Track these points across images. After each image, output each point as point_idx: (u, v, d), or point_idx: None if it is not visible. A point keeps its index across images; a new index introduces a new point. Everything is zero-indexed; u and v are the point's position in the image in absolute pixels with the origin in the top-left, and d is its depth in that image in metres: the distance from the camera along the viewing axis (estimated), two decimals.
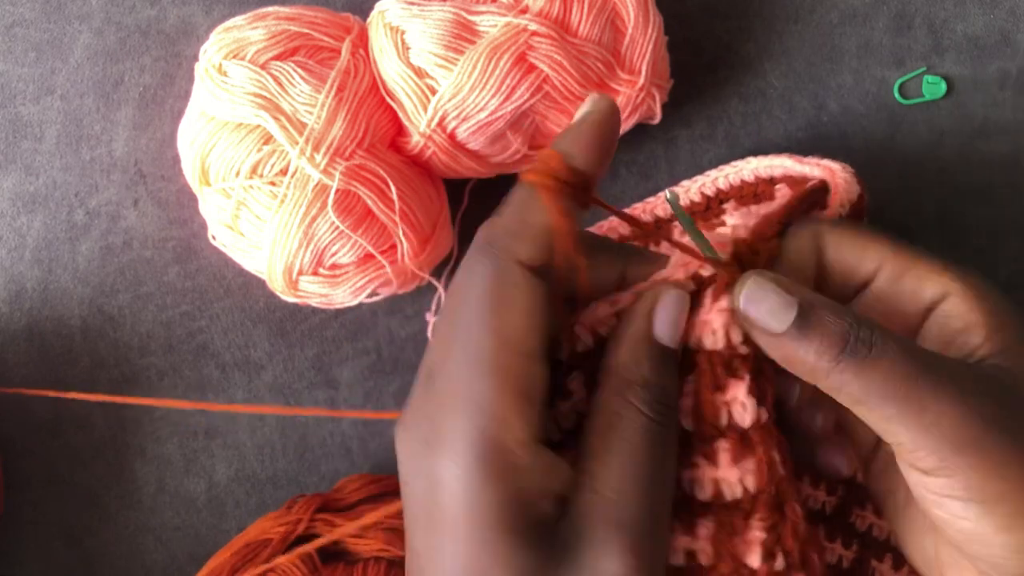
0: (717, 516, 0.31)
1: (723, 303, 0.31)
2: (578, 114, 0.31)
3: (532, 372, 0.28)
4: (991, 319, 0.31)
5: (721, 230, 0.34)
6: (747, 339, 0.30)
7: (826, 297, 0.30)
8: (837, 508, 0.44)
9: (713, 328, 0.30)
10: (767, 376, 0.31)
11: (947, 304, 0.31)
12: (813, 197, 0.37)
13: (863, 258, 0.32)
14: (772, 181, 0.44)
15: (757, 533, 0.30)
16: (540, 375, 0.29)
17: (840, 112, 0.50)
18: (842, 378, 0.28)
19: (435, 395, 0.29)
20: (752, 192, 0.44)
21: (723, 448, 0.30)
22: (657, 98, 0.46)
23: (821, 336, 0.29)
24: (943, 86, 0.50)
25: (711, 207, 0.46)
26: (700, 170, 0.48)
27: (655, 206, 0.47)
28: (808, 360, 0.29)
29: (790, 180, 0.43)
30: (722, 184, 0.45)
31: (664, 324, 0.30)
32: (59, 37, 0.51)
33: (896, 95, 0.50)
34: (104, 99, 0.51)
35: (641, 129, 0.49)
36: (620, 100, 0.45)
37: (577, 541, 0.28)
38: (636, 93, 0.45)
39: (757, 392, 0.30)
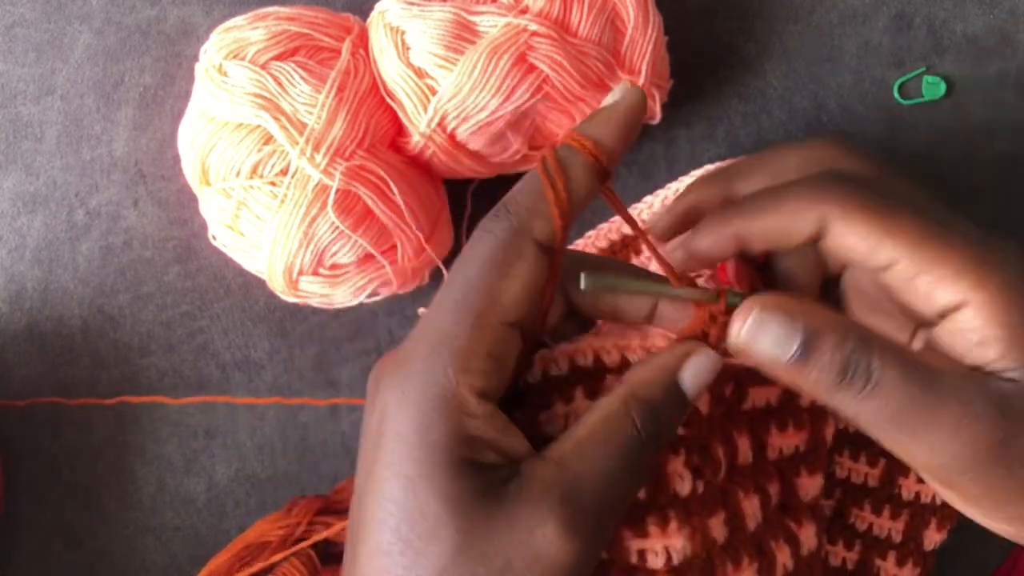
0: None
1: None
2: (608, 99, 0.32)
3: (509, 340, 0.29)
4: (1011, 332, 0.28)
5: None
6: (689, 424, 0.32)
7: (830, 313, 0.29)
8: (835, 511, 0.44)
9: None
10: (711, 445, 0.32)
11: (962, 314, 0.29)
12: None
13: (874, 253, 0.30)
14: None
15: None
16: (515, 347, 0.30)
17: (840, 112, 0.50)
18: (840, 404, 0.29)
19: (415, 332, 0.29)
20: None
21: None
22: (657, 98, 0.46)
23: (820, 369, 0.29)
24: (943, 86, 0.50)
25: None
26: None
27: (621, 224, 0.47)
28: (807, 387, 0.29)
29: None
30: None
31: (694, 375, 0.30)
32: (59, 37, 0.51)
33: (896, 95, 0.50)
34: (104, 99, 0.51)
35: (641, 129, 0.49)
36: None
37: (520, 502, 0.28)
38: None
39: (692, 465, 0.31)
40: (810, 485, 0.36)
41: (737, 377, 0.34)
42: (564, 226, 0.29)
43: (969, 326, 0.29)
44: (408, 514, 0.28)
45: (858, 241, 0.30)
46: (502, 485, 0.28)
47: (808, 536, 0.35)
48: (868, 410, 0.28)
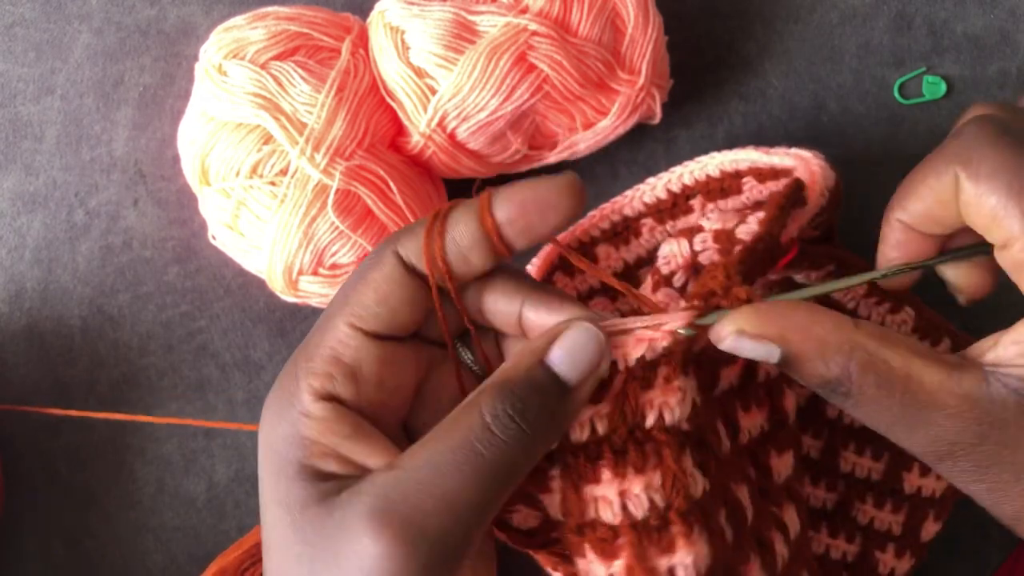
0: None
1: (677, 383, 0.30)
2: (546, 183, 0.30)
3: (357, 344, 0.29)
4: None
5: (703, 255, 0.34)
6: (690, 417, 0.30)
7: (814, 330, 0.28)
8: (838, 504, 0.44)
9: (662, 404, 0.30)
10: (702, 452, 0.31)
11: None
12: (792, 199, 0.36)
13: (992, 228, 0.28)
14: (738, 175, 0.43)
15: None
16: (371, 354, 0.29)
17: (840, 112, 0.50)
18: (831, 403, 0.30)
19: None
20: (719, 187, 0.44)
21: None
22: (657, 98, 0.46)
23: (804, 381, 0.29)
24: (943, 86, 0.50)
25: (678, 203, 0.45)
26: None
27: (623, 205, 0.47)
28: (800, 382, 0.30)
29: (757, 172, 0.43)
30: (688, 180, 0.45)
31: (566, 352, 0.29)
32: (59, 37, 0.51)
33: (896, 95, 0.50)
34: (104, 99, 0.51)
35: (641, 129, 0.49)
36: (620, 100, 0.45)
37: (345, 513, 0.27)
38: (636, 93, 0.45)
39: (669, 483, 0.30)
40: (782, 465, 0.36)
41: (712, 359, 0.33)
42: (432, 248, 0.29)
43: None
44: (265, 520, 0.28)
45: (979, 210, 0.28)
46: (336, 495, 0.27)
47: (791, 519, 0.35)
48: (854, 414, 0.29)
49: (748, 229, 0.38)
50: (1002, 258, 0.28)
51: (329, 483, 0.27)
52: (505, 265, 0.31)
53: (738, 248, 0.34)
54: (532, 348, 0.29)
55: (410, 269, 0.29)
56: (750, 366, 0.35)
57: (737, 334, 0.29)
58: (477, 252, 0.29)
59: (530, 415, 0.27)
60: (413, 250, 0.29)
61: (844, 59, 0.50)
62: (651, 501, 0.29)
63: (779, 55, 0.51)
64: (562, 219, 0.29)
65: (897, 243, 0.31)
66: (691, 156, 0.50)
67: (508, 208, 0.29)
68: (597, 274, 0.32)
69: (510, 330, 0.31)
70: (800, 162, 0.40)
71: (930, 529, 0.43)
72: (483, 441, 0.27)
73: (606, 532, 0.30)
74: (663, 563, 0.29)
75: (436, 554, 0.26)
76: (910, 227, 0.31)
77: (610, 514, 0.29)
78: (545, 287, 0.31)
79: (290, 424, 0.28)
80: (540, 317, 0.30)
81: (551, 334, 0.29)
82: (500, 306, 0.30)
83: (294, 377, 0.29)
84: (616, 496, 0.29)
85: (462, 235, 0.29)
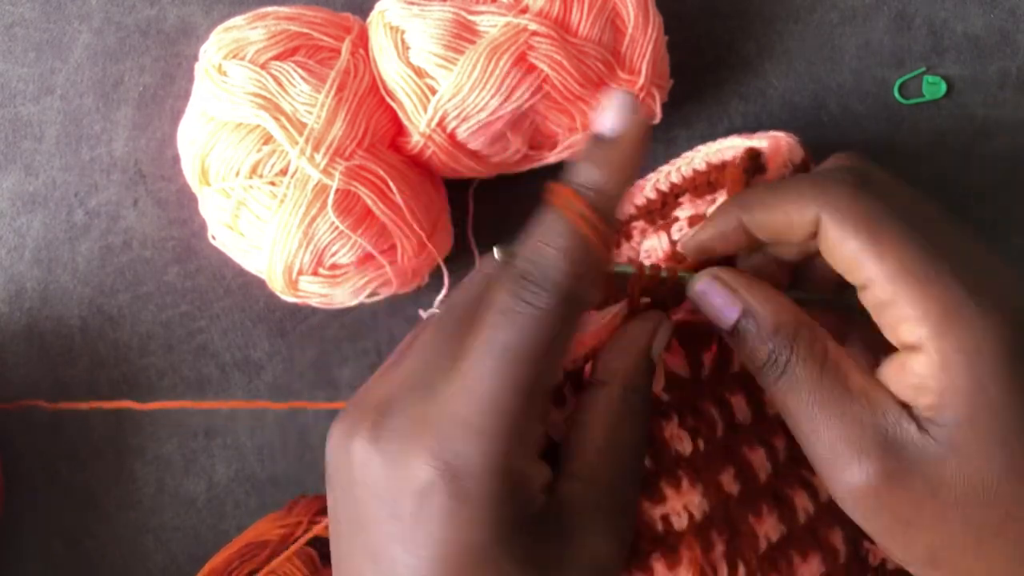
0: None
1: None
2: (607, 120, 0.30)
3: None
4: (949, 397, 0.27)
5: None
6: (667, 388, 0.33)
7: (778, 302, 0.30)
8: (829, 498, 0.44)
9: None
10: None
11: (914, 358, 0.28)
12: (751, 168, 0.37)
13: (853, 271, 0.29)
14: (724, 166, 0.43)
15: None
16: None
17: (840, 112, 0.50)
18: (761, 382, 0.31)
19: (435, 402, 0.28)
20: (706, 181, 0.44)
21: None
22: (657, 98, 0.46)
23: (746, 350, 0.30)
24: (943, 86, 0.50)
25: (667, 203, 0.45)
26: None
27: (642, 187, 0.47)
28: (740, 356, 0.31)
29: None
30: (675, 178, 0.45)
31: (660, 343, 0.32)
32: (59, 37, 0.51)
33: (896, 95, 0.50)
34: (104, 99, 0.51)
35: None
36: None
37: (565, 526, 0.28)
38: (636, 93, 0.45)
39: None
40: None
41: (721, 343, 0.35)
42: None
43: (914, 369, 0.28)
44: None
45: (841, 253, 0.29)
46: (545, 519, 0.28)
47: (822, 486, 0.36)
48: (778, 396, 0.30)
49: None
50: (864, 298, 0.30)
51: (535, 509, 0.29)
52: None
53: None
54: (639, 346, 0.32)
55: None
56: None
57: (712, 277, 0.31)
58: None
59: (648, 401, 0.31)
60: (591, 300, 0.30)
61: (844, 59, 0.50)
62: None
63: (779, 55, 0.51)
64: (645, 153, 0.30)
65: (724, 236, 0.33)
66: None
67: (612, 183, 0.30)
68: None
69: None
70: (771, 140, 0.41)
71: None
72: (642, 437, 0.31)
73: None
74: (656, 512, 0.31)
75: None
76: (745, 228, 0.32)
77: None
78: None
79: (520, 505, 0.28)
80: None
81: (649, 329, 0.32)
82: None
83: (507, 454, 0.28)
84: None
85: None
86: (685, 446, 0.32)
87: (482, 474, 0.26)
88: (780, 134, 0.42)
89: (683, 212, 0.41)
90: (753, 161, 0.37)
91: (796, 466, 0.36)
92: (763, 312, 0.30)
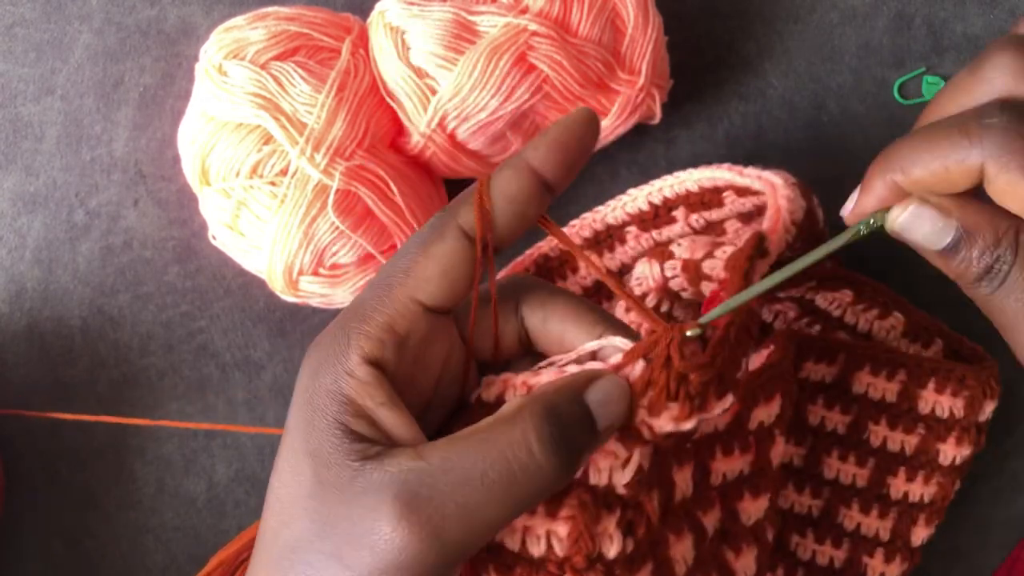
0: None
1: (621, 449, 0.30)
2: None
3: (414, 317, 0.30)
4: None
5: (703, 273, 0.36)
6: (629, 484, 0.30)
7: (988, 214, 0.30)
8: (823, 511, 0.44)
9: (599, 466, 0.30)
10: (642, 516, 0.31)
11: None
12: (754, 257, 0.35)
13: None
14: (717, 190, 0.44)
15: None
16: (421, 327, 0.30)
17: (840, 112, 0.50)
18: (974, 296, 0.31)
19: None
20: (699, 200, 0.44)
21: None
22: (657, 98, 0.46)
23: (960, 266, 0.31)
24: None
25: (660, 214, 0.46)
26: None
27: (605, 215, 0.47)
28: (950, 274, 0.31)
29: (735, 189, 0.43)
30: (668, 193, 0.45)
31: (602, 394, 0.29)
32: (59, 37, 0.51)
33: (896, 95, 0.50)
34: (104, 99, 0.51)
35: (641, 129, 0.49)
36: (620, 100, 0.45)
37: (367, 483, 0.27)
38: (636, 93, 0.45)
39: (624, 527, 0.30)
40: (753, 508, 0.36)
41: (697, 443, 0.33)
42: (485, 218, 0.30)
43: None
44: (282, 469, 0.29)
45: (1016, 195, 0.30)
46: (362, 459, 0.27)
47: (747, 564, 0.35)
48: (995, 305, 0.30)
49: (713, 265, 0.39)
50: None
51: (358, 444, 0.28)
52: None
53: (716, 334, 0.32)
54: (570, 383, 0.29)
55: (471, 241, 0.30)
56: (740, 415, 0.35)
57: (920, 203, 0.31)
58: (523, 198, 0.30)
59: (571, 446, 0.28)
60: (469, 222, 0.30)
61: (844, 59, 0.50)
62: (549, 547, 0.29)
63: (779, 55, 0.51)
64: (593, 139, 0.31)
65: (881, 200, 0.33)
66: (691, 156, 0.50)
67: (543, 149, 0.30)
68: (587, 262, 0.32)
69: (557, 348, 0.32)
70: (769, 189, 0.40)
71: (920, 533, 0.43)
72: (521, 464, 0.27)
73: (509, 558, 0.30)
74: None
75: (443, 559, 0.27)
76: (900, 187, 0.32)
77: (511, 542, 0.30)
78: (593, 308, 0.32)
79: (333, 379, 0.29)
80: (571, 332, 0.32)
81: (589, 375, 0.29)
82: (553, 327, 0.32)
83: (344, 335, 0.29)
84: (520, 529, 0.30)
85: (508, 181, 0.30)
86: (612, 548, 0.29)
87: (316, 350, 0.29)
88: (777, 180, 0.40)
89: (679, 251, 0.41)
90: (758, 248, 0.36)
91: (724, 543, 0.35)
92: (982, 225, 0.30)
